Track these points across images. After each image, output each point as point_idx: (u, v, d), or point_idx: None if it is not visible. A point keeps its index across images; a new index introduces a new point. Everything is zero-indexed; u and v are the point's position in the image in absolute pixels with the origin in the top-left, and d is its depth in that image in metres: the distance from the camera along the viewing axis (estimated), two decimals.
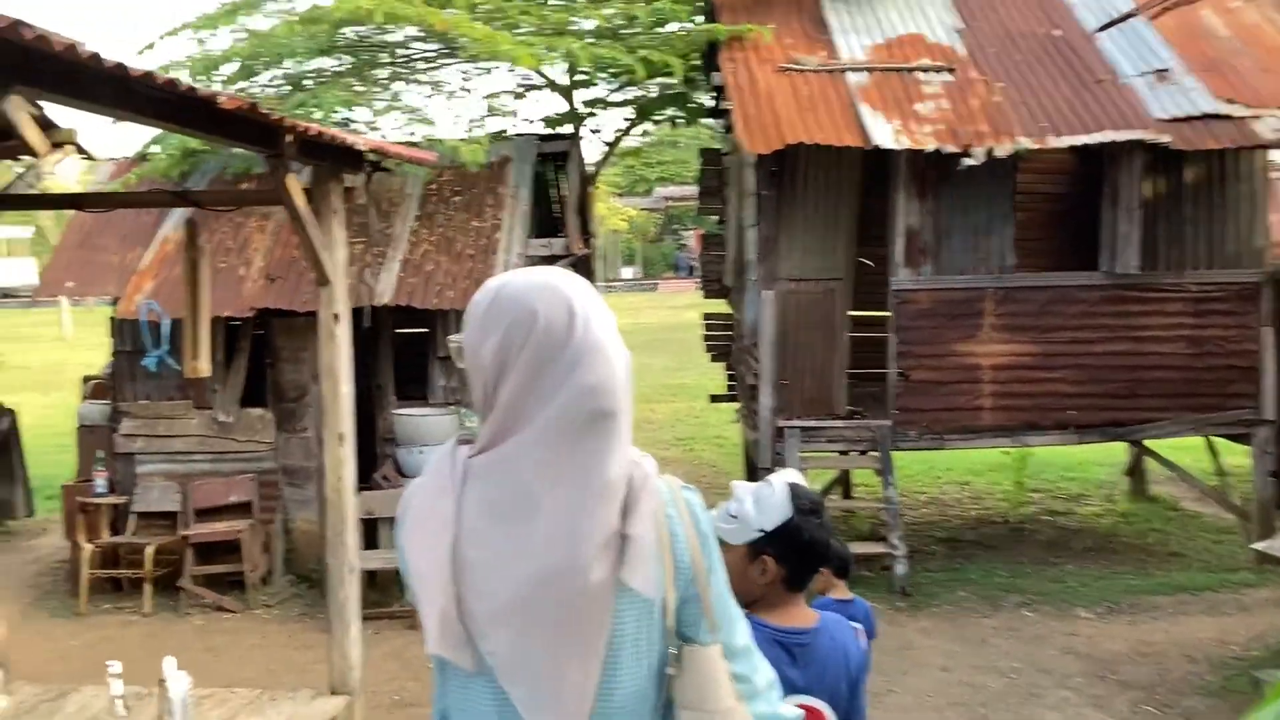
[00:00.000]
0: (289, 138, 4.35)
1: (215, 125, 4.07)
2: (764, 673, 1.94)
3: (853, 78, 8.92)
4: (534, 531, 1.69)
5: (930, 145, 8.16)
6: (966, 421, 8.70)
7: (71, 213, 9.25)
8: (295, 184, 4.59)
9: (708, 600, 1.83)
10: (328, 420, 5.09)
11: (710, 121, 12.01)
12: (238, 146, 4.60)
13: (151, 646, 7.75)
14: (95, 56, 2.82)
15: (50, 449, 12.38)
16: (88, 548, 8.75)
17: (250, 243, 9.17)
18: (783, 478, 2.66)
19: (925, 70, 8.96)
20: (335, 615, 5.19)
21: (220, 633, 8.31)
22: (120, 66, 2.96)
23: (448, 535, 1.72)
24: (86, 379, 10.15)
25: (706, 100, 11.01)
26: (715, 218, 11.35)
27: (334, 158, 4.89)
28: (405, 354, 9.59)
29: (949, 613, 8.13)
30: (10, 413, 5.31)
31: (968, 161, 8.16)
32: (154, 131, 9.24)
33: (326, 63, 10.33)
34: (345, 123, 8.98)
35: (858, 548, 8.12)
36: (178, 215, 9.36)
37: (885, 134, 8.25)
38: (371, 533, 8.58)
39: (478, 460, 1.75)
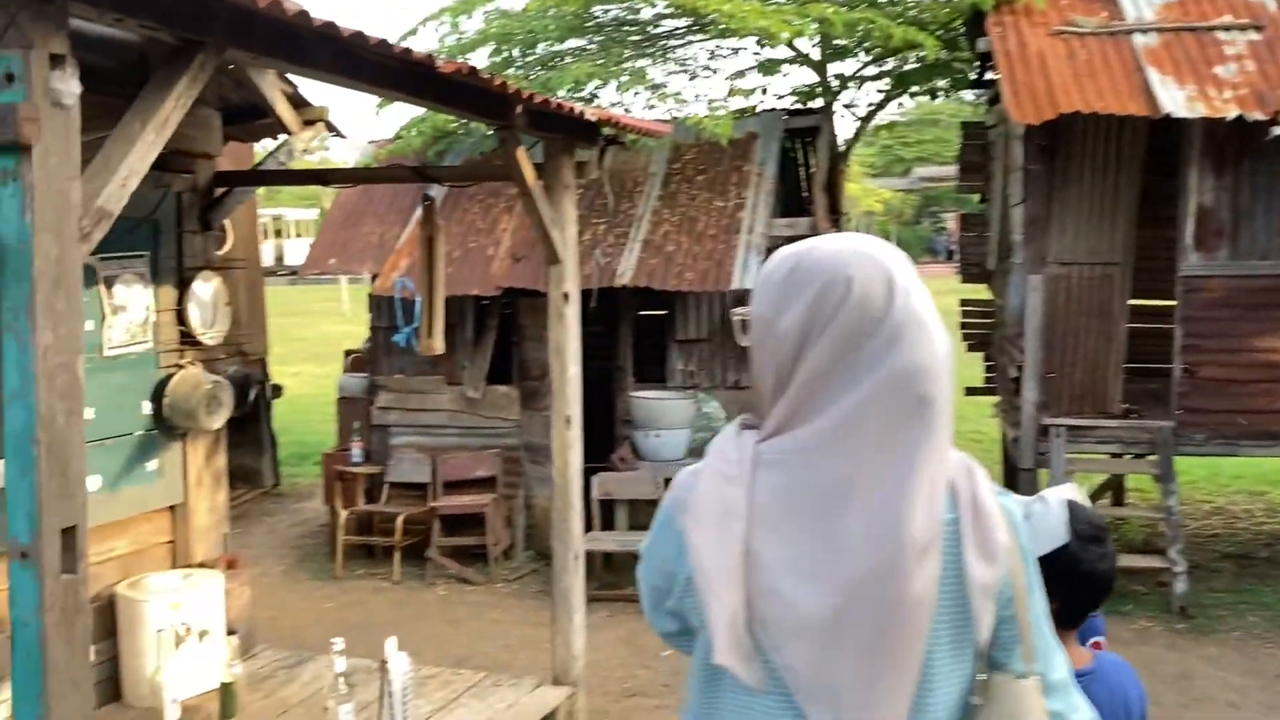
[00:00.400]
0: (518, 108, 4.20)
1: (443, 95, 3.95)
2: (1084, 713, 1.67)
3: (1139, 39, 8.04)
4: (845, 531, 1.49)
5: (1231, 112, 7.22)
6: (1265, 425, 7.70)
7: (338, 191, 9.63)
8: (525, 157, 4.44)
9: (1025, 623, 1.61)
10: (555, 402, 4.94)
11: (973, 93, 11.24)
12: (467, 117, 4.50)
13: (398, 614, 8.00)
14: (303, 14, 2.70)
15: (322, 417, 13.11)
16: (344, 514, 9.11)
17: (499, 223, 9.26)
18: (1060, 495, 2.24)
19: (1227, 29, 7.96)
20: (559, 602, 5.07)
21: (462, 604, 8.45)
22: (330, 25, 2.84)
23: (738, 528, 1.53)
24: (348, 352, 10.60)
25: (970, 72, 10.28)
26: (977, 196, 10.62)
27: (566, 130, 4.72)
28: (646, 336, 9.48)
29: (1237, 640, 7.23)
30: (261, 383, 5.50)
31: (1277, 131, 7.17)
32: (417, 113, 9.47)
33: (577, 43, 10.30)
34: (590, 99, 8.89)
35: (1130, 560, 7.35)
36: (434, 195, 9.58)
37: (1176, 101, 7.37)
38: (608, 514, 8.51)
39: (769, 446, 1.54)
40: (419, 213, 9.43)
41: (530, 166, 4.55)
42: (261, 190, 13.45)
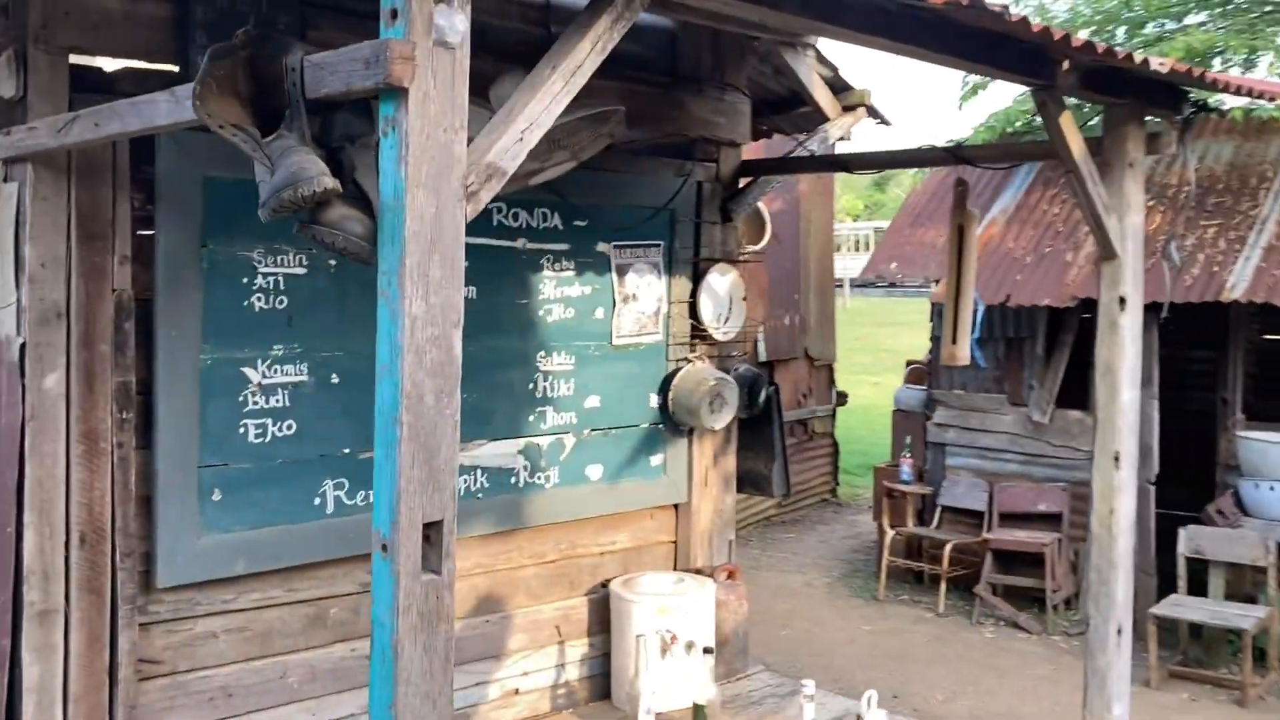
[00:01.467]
0: (1064, 63, 3.35)
1: (969, 49, 3.24)
2: None
3: None
4: None
5: None
6: None
7: (905, 194, 9.10)
8: (1071, 125, 3.56)
9: None
10: (1099, 434, 3.97)
11: None
12: (1000, 76, 3.71)
13: (937, 651, 7.34)
14: None
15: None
16: (890, 533, 8.58)
17: (1081, 225, 8.12)
18: None
19: None
20: (1093, 684, 4.08)
21: (1009, 653, 7.52)
22: None
23: None
24: (909, 363, 10.03)
25: None
26: None
27: (1134, 93, 3.73)
28: (1265, 365, 7.78)
29: None
30: (775, 385, 5.15)
31: None
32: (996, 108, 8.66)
33: (1199, 19, 8.77)
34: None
35: None
36: (1004, 199, 8.70)
37: None
38: (1198, 577, 7.06)
39: None
40: (997, 214, 8.64)
41: (1079, 137, 3.66)
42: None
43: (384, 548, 2.17)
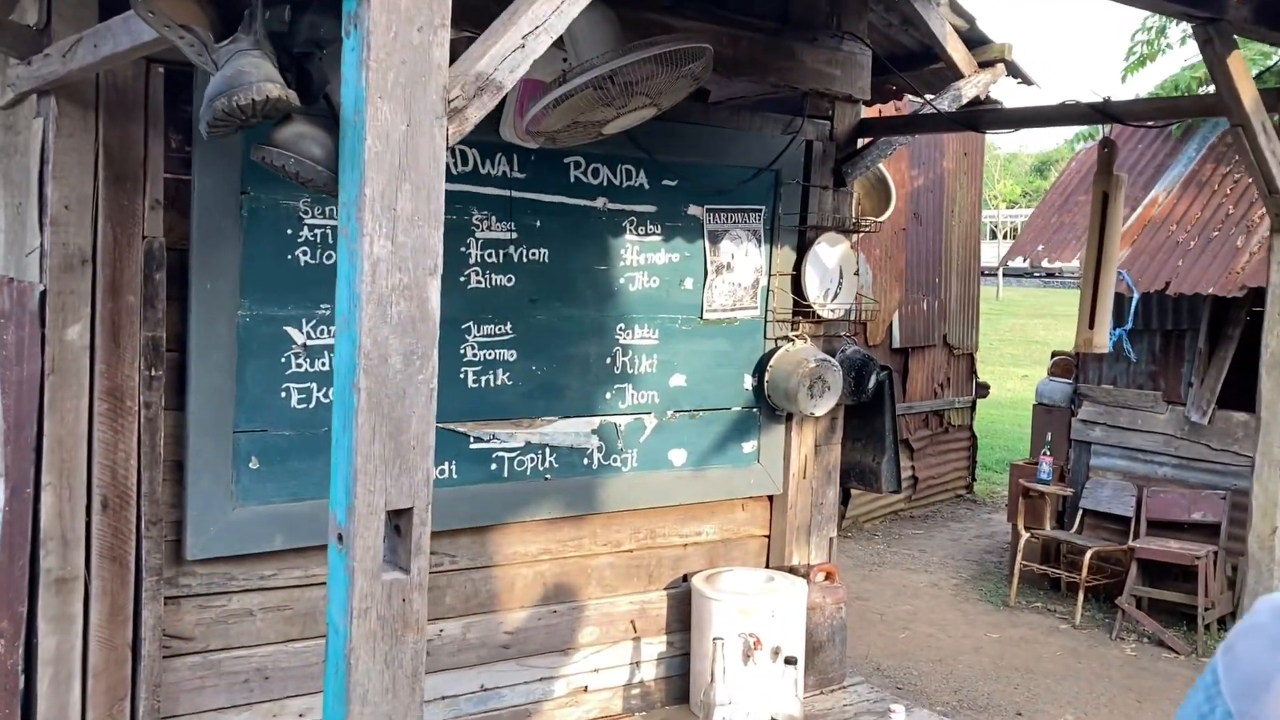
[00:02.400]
0: None
1: None
2: None
3: None
4: None
5: None
6: None
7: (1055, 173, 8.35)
8: (1241, 69, 2.95)
9: None
10: (1264, 435, 3.35)
11: None
12: (1156, 7, 3.12)
13: (1070, 665, 6.75)
14: None
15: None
16: (1024, 535, 7.94)
17: (1256, 206, 7.27)
18: None
19: None
20: None
21: (1152, 673, 6.84)
22: None
23: None
24: (1054, 354, 9.28)
25: None
26: None
27: None
28: None
29: None
30: (888, 370, 4.63)
31: None
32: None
33: None
34: None
35: None
36: (1168, 176, 7.88)
37: None
38: None
39: None
40: (1159, 192, 7.84)
41: (1251, 84, 3.04)
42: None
43: (339, 538, 1.80)
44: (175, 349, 3.29)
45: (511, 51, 1.82)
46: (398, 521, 1.82)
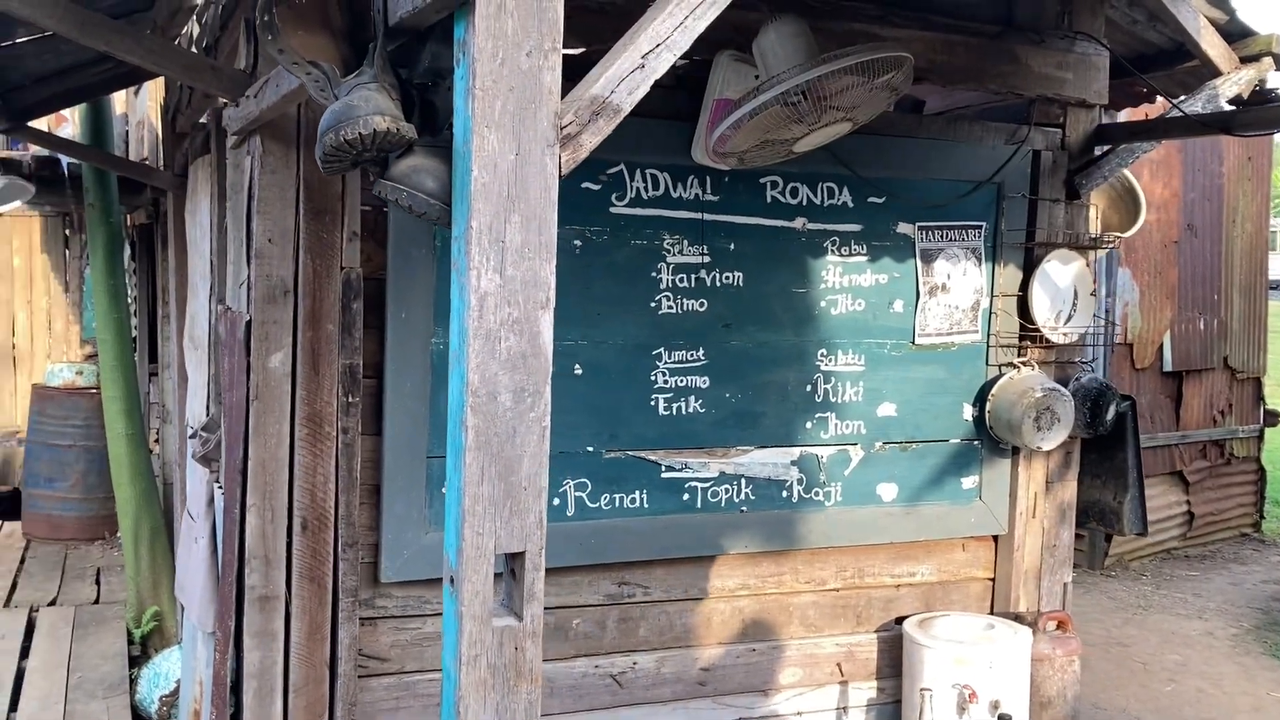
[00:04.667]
0: None
1: None
2: None
3: None
4: None
5: None
6: None
7: None
8: None
9: None
10: None
11: None
12: None
13: None
14: None
15: None
16: None
17: None
18: None
19: None
20: None
21: None
22: None
23: None
24: None
25: None
26: None
27: None
28: None
29: None
30: (1130, 399, 4.19)
31: None
32: None
33: None
34: None
35: None
36: None
37: None
38: None
39: None
40: None
41: None
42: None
43: (450, 580, 1.74)
44: (372, 376, 3.38)
45: (631, 72, 1.71)
46: (512, 566, 1.74)
